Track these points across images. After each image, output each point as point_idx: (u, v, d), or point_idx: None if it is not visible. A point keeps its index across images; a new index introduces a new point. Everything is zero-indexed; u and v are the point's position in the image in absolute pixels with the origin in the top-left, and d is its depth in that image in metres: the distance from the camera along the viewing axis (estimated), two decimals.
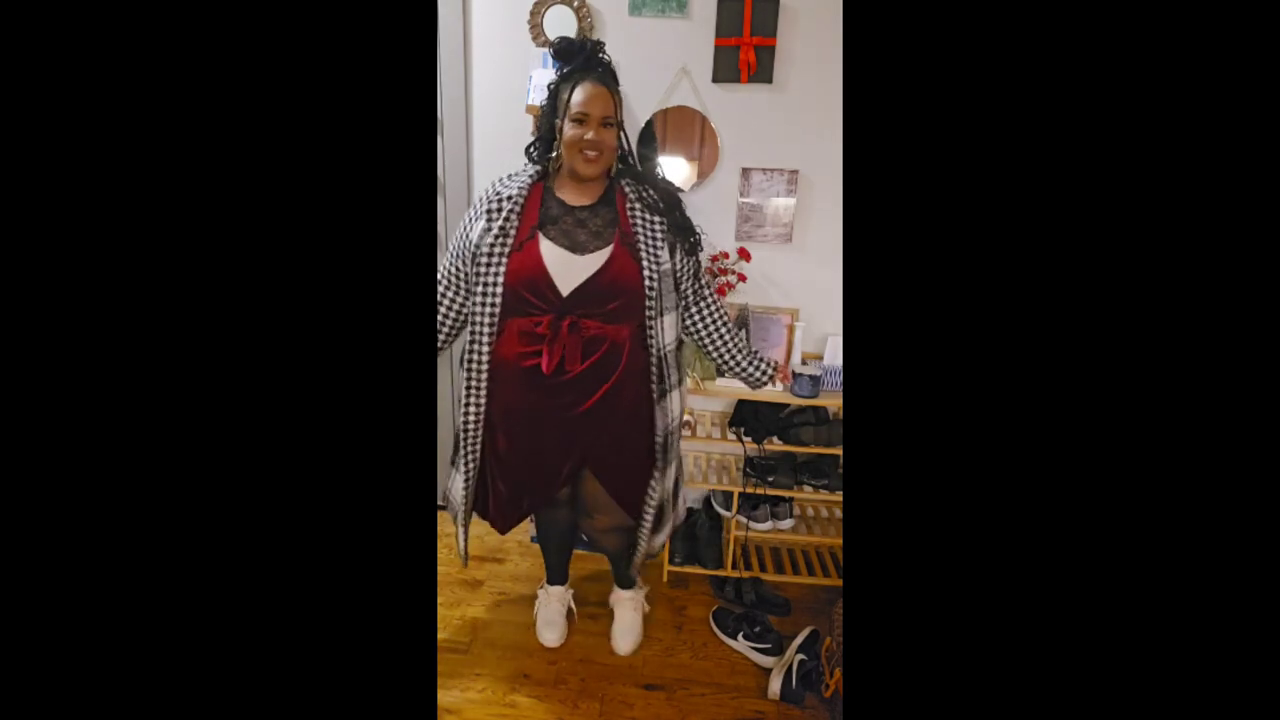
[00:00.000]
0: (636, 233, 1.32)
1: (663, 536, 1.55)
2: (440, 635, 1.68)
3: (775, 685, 1.53)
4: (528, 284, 1.28)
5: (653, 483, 1.43)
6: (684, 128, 1.88)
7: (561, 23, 1.83)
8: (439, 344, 1.43)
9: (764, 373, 1.59)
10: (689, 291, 1.45)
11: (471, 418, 1.37)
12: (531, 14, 1.82)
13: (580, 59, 1.29)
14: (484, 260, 1.28)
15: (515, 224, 1.29)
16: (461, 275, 1.36)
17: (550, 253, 1.28)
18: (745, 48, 1.78)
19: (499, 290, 1.28)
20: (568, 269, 1.28)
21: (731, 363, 1.56)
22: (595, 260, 1.29)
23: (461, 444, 1.40)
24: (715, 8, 1.78)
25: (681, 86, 1.86)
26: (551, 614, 1.69)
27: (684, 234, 1.39)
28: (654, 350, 1.36)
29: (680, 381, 1.44)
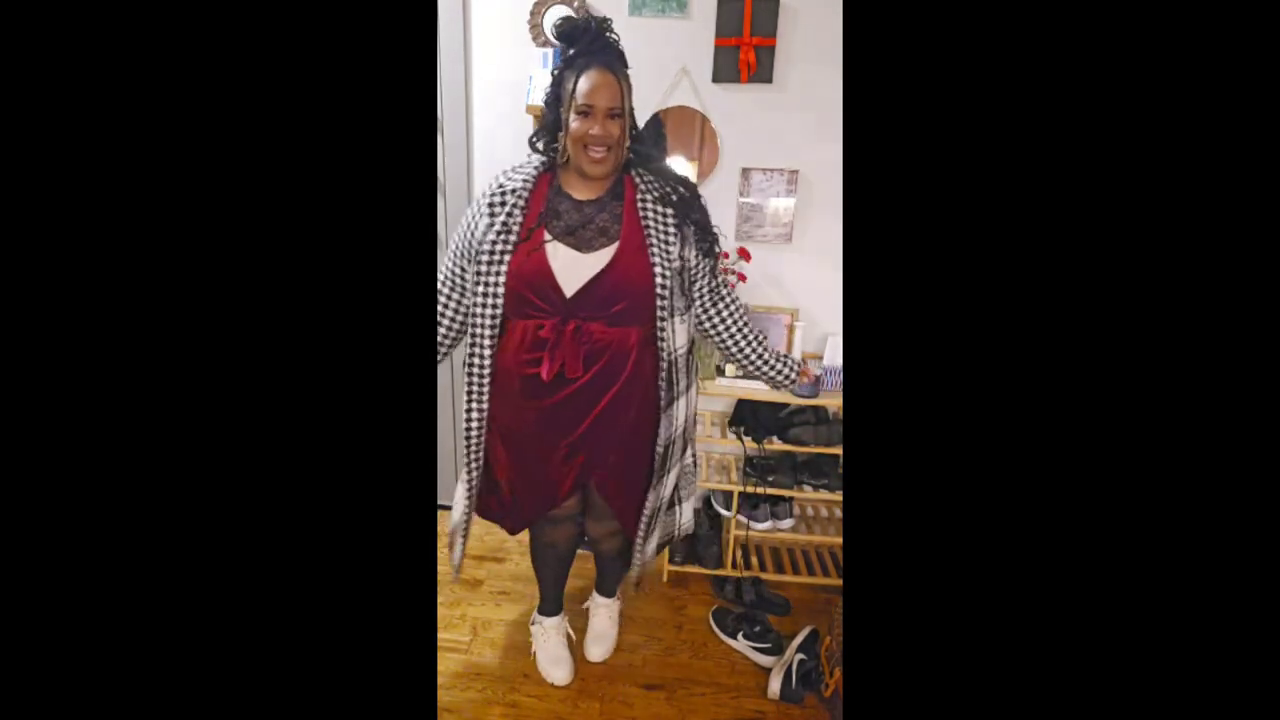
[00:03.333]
0: (647, 228, 1.23)
1: (653, 544, 1.46)
2: (440, 635, 1.68)
3: (775, 685, 1.54)
4: (530, 284, 1.20)
5: (650, 494, 1.37)
6: (684, 128, 1.88)
7: None
8: (440, 350, 1.36)
9: (786, 376, 1.51)
10: (705, 291, 1.38)
11: (475, 425, 1.31)
12: (531, 14, 1.82)
13: (586, 41, 1.18)
14: (485, 259, 1.21)
15: (519, 219, 1.21)
16: (464, 276, 1.28)
17: (555, 251, 1.20)
18: (745, 48, 1.78)
19: (500, 291, 1.21)
20: (573, 268, 1.20)
21: (754, 364, 1.49)
22: (600, 258, 1.21)
23: (465, 451, 1.34)
24: (715, 8, 1.78)
25: (681, 86, 1.86)
26: (554, 649, 1.60)
27: (703, 232, 1.30)
28: (665, 355, 1.27)
29: (689, 387, 1.37)
